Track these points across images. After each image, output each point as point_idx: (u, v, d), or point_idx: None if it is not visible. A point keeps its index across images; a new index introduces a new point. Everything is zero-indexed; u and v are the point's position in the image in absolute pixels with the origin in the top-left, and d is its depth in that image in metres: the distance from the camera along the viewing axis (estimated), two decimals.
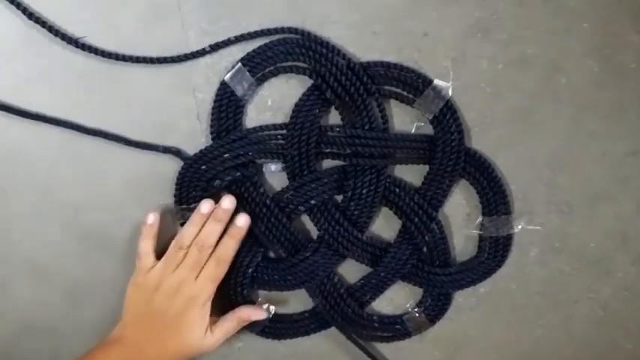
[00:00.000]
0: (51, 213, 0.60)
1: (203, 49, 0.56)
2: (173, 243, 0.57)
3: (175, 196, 0.58)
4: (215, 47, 0.57)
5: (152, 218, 0.58)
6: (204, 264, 0.56)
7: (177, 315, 0.56)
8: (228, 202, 0.56)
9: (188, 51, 0.56)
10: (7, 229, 0.60)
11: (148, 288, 0.56)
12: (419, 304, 0.62)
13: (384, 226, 0.61)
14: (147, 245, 0.57)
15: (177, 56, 0.57)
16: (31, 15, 0.55)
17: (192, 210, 0.57)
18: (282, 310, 0.62)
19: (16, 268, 0.61)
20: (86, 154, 0.59)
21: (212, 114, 0.57)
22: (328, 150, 0.58)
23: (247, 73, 0.56)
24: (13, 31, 0.56)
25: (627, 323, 0.63)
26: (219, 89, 0.57)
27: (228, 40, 0.56)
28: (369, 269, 0.60)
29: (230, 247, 0.57)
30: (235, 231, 0.57)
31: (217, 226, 0.56)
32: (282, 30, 0.56)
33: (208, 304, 0.57)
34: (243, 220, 0.57)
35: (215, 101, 0.57)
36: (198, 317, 0.56)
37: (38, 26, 0.55)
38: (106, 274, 0.61)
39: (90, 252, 0.61)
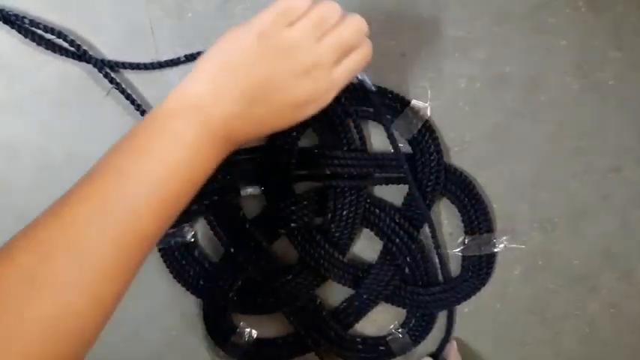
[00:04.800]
0: None
1: (178, 58, 0.55)
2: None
3: None
4: (190, 58, 0.55)
5: None
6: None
7: (286, 106, 0.40)
8: None
9: (162, 75, 0.56)
10: None
11: (277, 49, 0.38)
12: (403, 325, 0.61)
13: (366, 247, 0.60)
14: None
15: (151, 63, 0.55)
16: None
17: (169, 235, 0.56)
18: (265, 334, 0.61)
19: None
20: (64, 183, 0.58)
21: None
22: (307, 172, 0.57)
23: None
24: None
25: (614, 340, 0.62)
26: None
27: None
28: (351, 291, 0.60)
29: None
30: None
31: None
32: None
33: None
34: None
35: None
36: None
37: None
38: None
39: None
